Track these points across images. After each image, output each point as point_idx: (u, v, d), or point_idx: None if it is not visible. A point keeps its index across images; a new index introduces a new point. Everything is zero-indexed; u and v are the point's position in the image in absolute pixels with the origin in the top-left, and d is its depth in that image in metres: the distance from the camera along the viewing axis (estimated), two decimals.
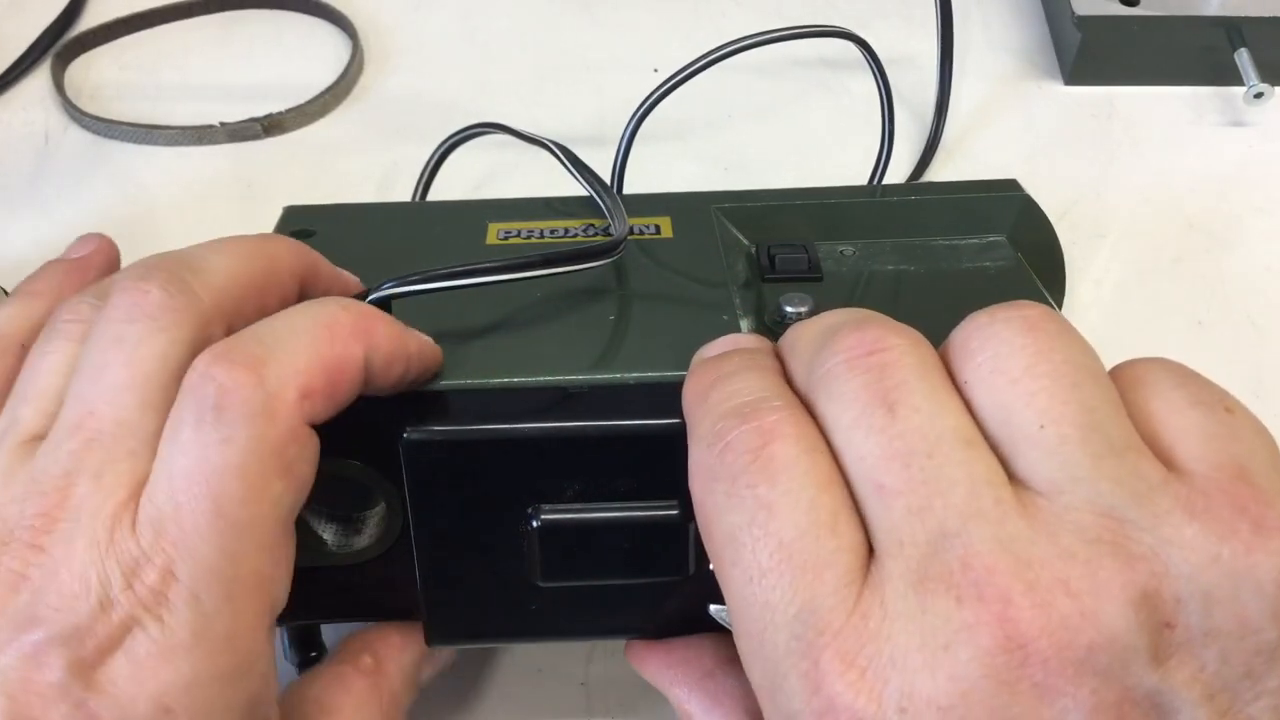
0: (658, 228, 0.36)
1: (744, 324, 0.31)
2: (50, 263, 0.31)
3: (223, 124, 0.54)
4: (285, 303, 0.27)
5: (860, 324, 0.22)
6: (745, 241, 0.36)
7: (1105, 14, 0.54)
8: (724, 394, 0.23)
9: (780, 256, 0.34)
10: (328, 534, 0.29)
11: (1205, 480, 0.20)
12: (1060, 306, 0.37)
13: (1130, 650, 0.18)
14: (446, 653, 0.32)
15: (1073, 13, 0.54)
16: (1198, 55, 0.54)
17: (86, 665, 0.22)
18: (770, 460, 0.21)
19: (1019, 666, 0.18)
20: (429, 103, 0.56)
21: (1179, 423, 0.21)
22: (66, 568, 0.22)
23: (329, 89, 0.56)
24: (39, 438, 0.24)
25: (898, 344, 0.22)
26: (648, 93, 0.43)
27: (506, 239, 0.35)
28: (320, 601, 0.30)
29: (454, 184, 0.49)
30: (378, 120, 0.55)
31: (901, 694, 0.19)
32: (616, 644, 0.34)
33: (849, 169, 0.52)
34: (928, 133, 0.53)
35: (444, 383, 0.28)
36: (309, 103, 0.55)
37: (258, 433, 0.23)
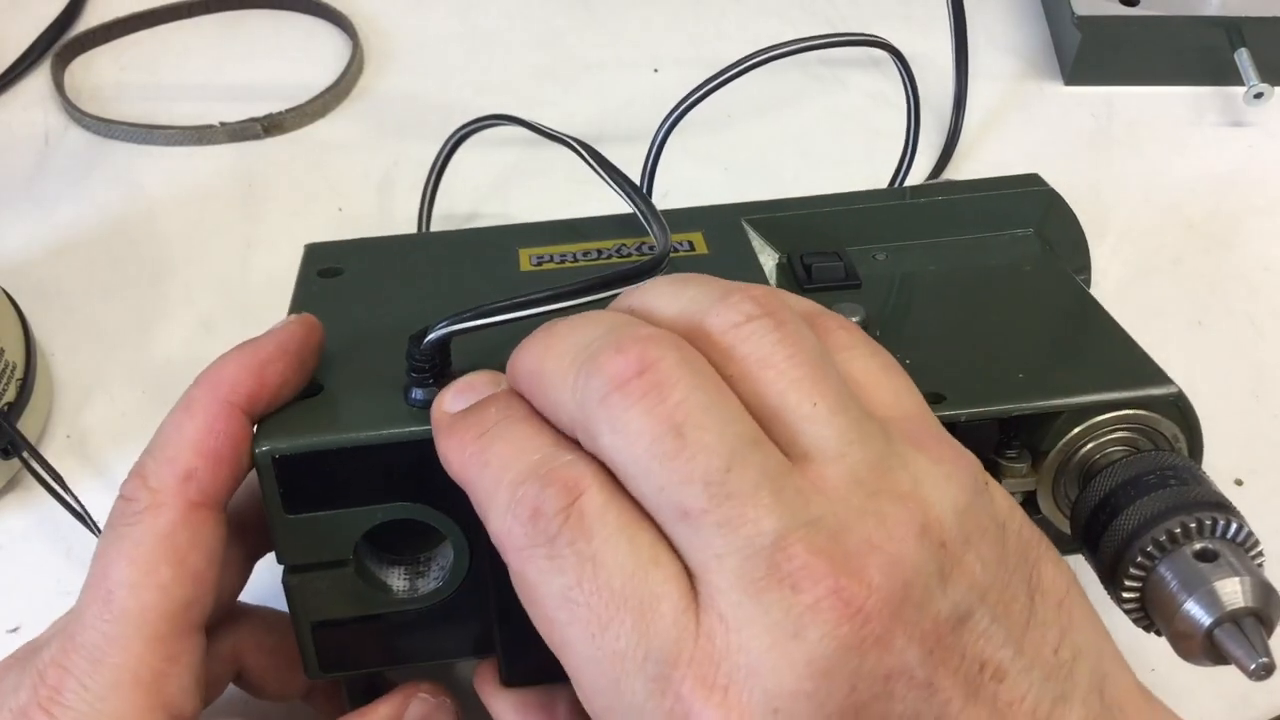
0: (691, 244, 0.35)
1: None
2: None
3: (223, 124, 0.54)
4: None
5: (616, 343, 0.22)
6: (775, 252, 0.36)
7: (1105, 14, 0.54)
8: (505, 455, 0.23)
9: (816, 265, 0.34)
10: (394, 580, 0.29)
11: (904, 421, 0.23)
12: None
13: (930, 576, 0.20)
14: None
15: (1073, 13, 0.54)
16: (1198, 55, 0.54)
17: None
18: (582, 515, 0.21)
19: (861, 627, 0.20)
20: (429, 102, 0.56)
21: (870, 381, 0.24)
22: None
23: (329, 89, 0.56)
24: None
25: (663, 356, 0.21)
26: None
27: (540, 264, 0.34)
28: (379, 648, 0.29)
29: (465, 186, 0.49)
30: (377, 120, 0.55)
31: (768, 696, 0.19)
32: None
33: (848, 166, 0.52)
34: (935, 134, 0.53)
35: None
36: (309, 103, 0.55)
37: (146, 524, 0.25)
